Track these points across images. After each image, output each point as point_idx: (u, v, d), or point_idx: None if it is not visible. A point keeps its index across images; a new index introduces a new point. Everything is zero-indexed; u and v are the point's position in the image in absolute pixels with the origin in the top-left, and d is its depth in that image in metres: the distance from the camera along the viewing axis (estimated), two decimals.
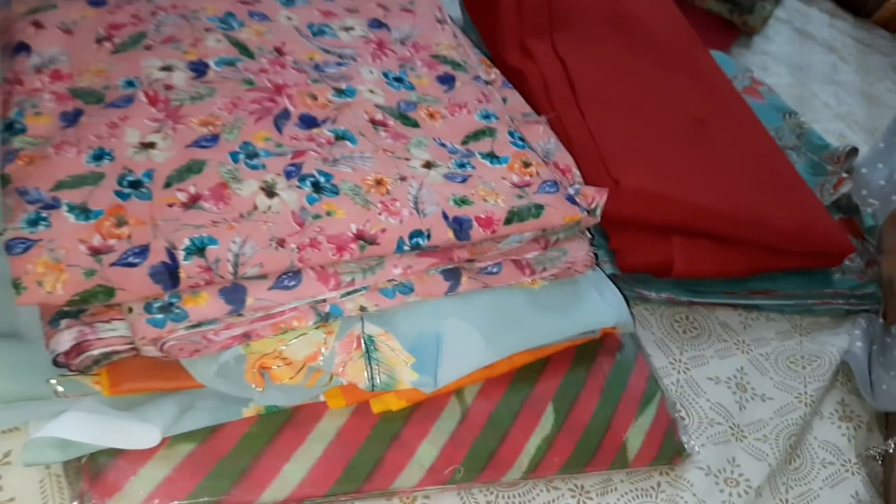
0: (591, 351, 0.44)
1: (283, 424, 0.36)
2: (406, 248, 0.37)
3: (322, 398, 0.37)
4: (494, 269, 0.41)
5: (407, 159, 0.41)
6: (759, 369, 0.51)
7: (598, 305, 0.43)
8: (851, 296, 0.57)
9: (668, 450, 0.43)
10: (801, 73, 0.90)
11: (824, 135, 0.72)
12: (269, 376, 0.35)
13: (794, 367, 0.52)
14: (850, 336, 0.54)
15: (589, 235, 0.46)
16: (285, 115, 0.41)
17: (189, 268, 0.33)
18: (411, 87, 0.46)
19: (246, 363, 0.35)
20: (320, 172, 0.38)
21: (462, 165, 0.42)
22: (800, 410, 0.49)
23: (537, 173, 0.43)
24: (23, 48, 0.42)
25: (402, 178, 0.39)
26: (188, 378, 0.35)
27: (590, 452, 0.40)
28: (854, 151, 0.67)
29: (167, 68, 0.42)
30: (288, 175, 0.38)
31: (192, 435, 0.35)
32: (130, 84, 0.41)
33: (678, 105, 0.58)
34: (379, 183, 0.38)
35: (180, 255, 0.33)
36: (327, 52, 0.47)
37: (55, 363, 0.33)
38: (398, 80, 0.46)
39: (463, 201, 0.39)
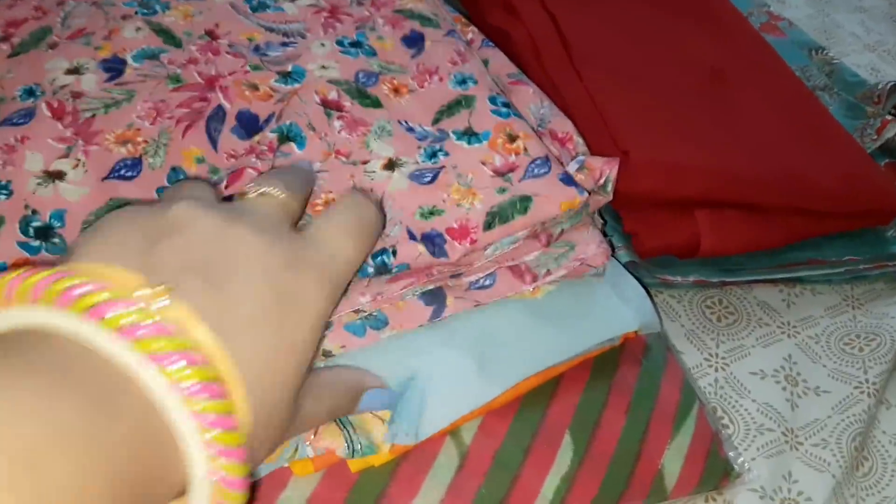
0: (611, 361, 0.36)
1: None
2: (370, 269, 0.30)
3: (286, 464, 0.30)
4: (487, 282, 0.33)
5: (364, 162, 0.34)
6: (810, 356, 0.44)
7: (617, 308, 0.36)
8: None
9: (713, 472, 0.36)
10: (822, 1, 0.81)
11: (856, 69, 0.64)
12: None
13: (851, 349, 0.45)
14: None
15: (601, 220, 0.39)
16: (219, 115, 0.34)
17: None
18: (372, 53, 0.39)
19: None
20: None
21: (433, 155, 0.35)
22: (862, 403, 0.42)
23: (525, 149, 0.35)
24: None
25: None
26: None
27: (620, 488, 0.33)
28: None
29: (75, 70, 0.35)
30: None
31: None
32: (30, 93, 0.34)
33: (690, 54, 0.50)
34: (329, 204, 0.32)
35: None
36: (270, 30, 0.39)
37: None
38: (355, 45, 0.39)
39: (431, 213, 0.32)
